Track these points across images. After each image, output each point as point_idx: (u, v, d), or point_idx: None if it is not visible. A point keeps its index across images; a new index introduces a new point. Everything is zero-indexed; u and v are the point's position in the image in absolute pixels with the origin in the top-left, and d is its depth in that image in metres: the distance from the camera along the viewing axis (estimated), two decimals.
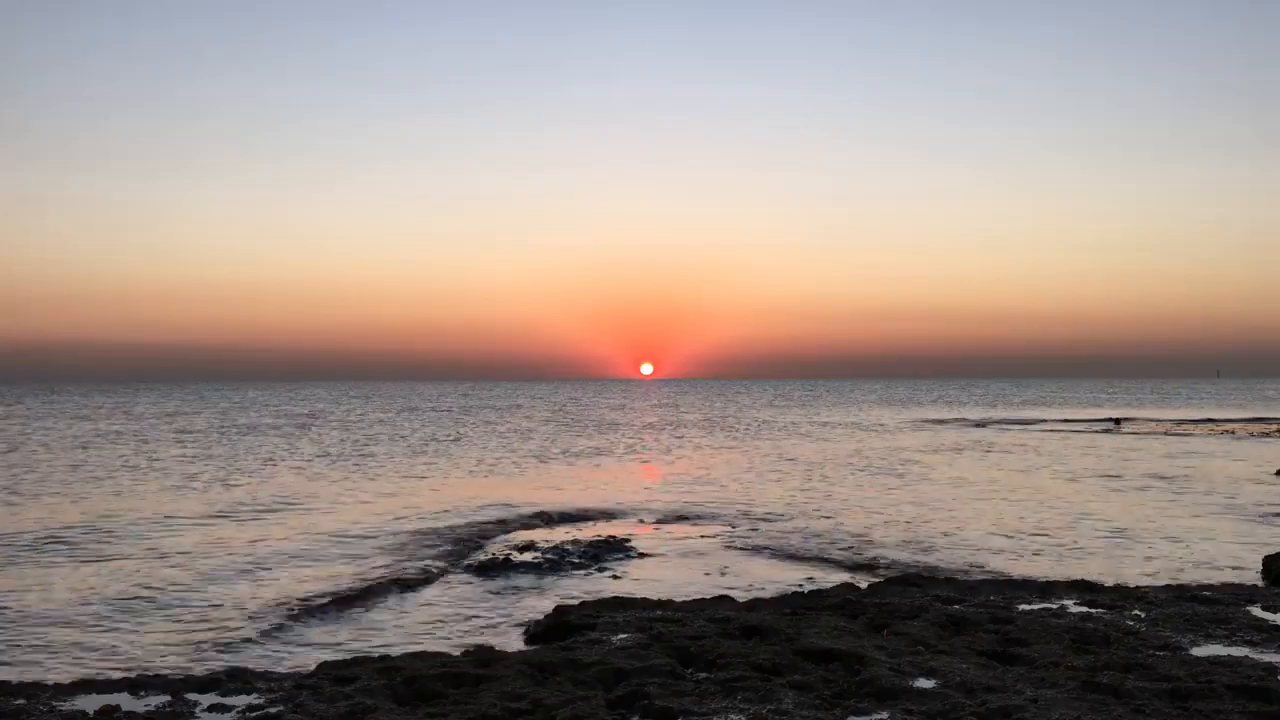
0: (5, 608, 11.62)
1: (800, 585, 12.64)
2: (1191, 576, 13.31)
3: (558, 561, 14.48)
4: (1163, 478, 26.52)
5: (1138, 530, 17.60)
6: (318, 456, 34.58)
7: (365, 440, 43.02)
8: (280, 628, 10.87)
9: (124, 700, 7.54)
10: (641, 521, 19.12)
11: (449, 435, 46.89)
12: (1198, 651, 8.36)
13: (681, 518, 19.56)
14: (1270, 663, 7.96)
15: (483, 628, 10.81)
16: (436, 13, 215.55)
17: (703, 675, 7.71)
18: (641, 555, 15.25)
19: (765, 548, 15.98)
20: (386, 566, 14.37)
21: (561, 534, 17.36)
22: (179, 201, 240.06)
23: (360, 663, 8.43)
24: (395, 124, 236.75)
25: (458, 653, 8.90)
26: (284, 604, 11.92)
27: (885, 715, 6.75)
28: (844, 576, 13.36)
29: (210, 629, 10.72)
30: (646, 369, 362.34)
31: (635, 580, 13.28)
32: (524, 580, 13.32)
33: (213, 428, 52.44)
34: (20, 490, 23.93)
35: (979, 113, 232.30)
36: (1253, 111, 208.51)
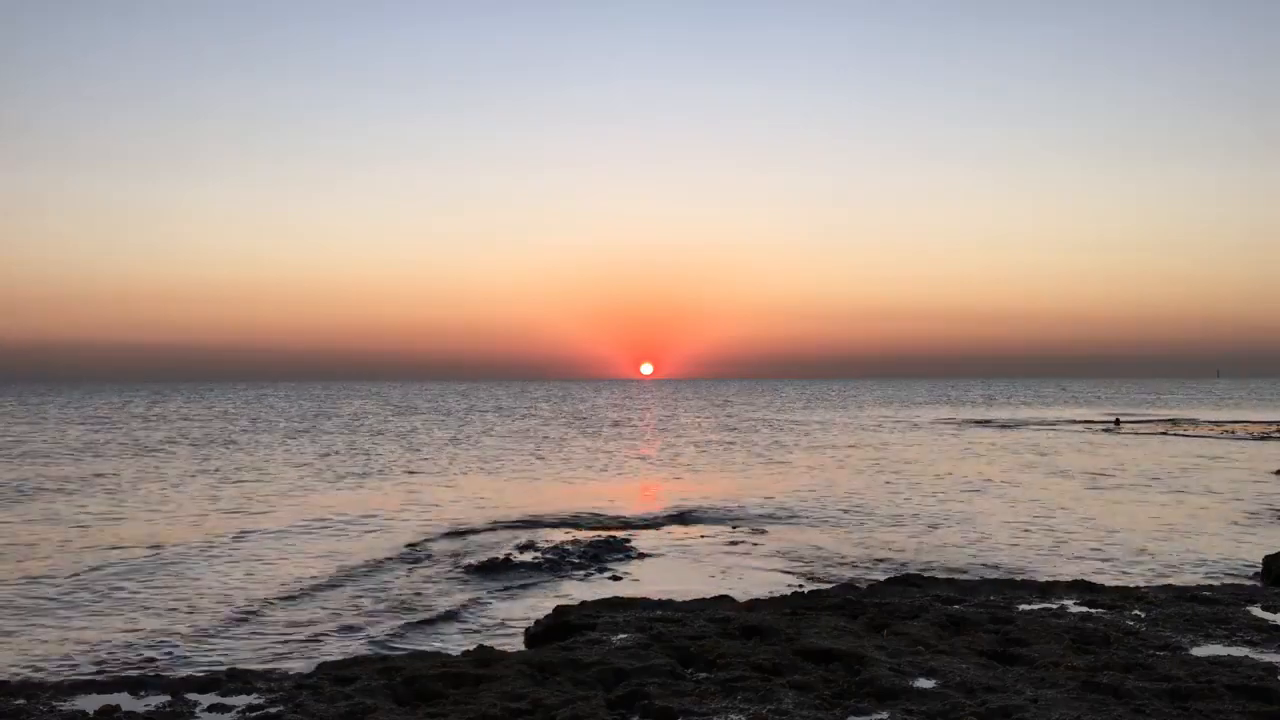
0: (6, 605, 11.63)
1: (800, 585, 12.63)
2: (1191, 576, 13.32)
3: (558, 561, 14.48)
4: (1162, 478, 26.52)
5: (1138, 530, 17.61)
6: (317, 457, 34.58)
7: (364, 440, 43.01)
8: (279, 627, 10.87)
9: (124, 700, 7.54)
10: (641, 521, 19.11)
11: (449, 436, 46.89)
12: (1198, 651, 8.36)
13: (681, 518, 19.56)
14: (1270, 663, 7.96)
15: (483, 628, 10.82)
16: (436, 13, 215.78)
17: (703, 675, 7.70)
18: (641, 555, 15.25)
19: (765, 547, 15.98)
20: (386, 566, 14.37)
21: (561, 534, 17.36)
22: (179, 201, 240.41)
23: (360, 663, 8.43)
24: (395, 124, 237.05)
25: (458, 653, 8.89)
26: (283, 603, 11.93)
27: (885, 715, 6.75)
28: (844, 576, 13.36)
29: (207, 626, 10.72)
30: (646, 369, 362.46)
31: (635, 580, 13.28)
32: (524, 580, 13.32)
33: (208, 437, 52.40)
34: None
35: (979, 113, 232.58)
36: (1253, 111, 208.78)
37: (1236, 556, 14.93)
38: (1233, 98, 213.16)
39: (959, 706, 6.78)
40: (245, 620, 11.14)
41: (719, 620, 9.35)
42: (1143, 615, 9.73)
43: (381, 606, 11.91)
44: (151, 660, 9.48)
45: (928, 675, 7.57)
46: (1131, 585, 11.76)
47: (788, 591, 11.73)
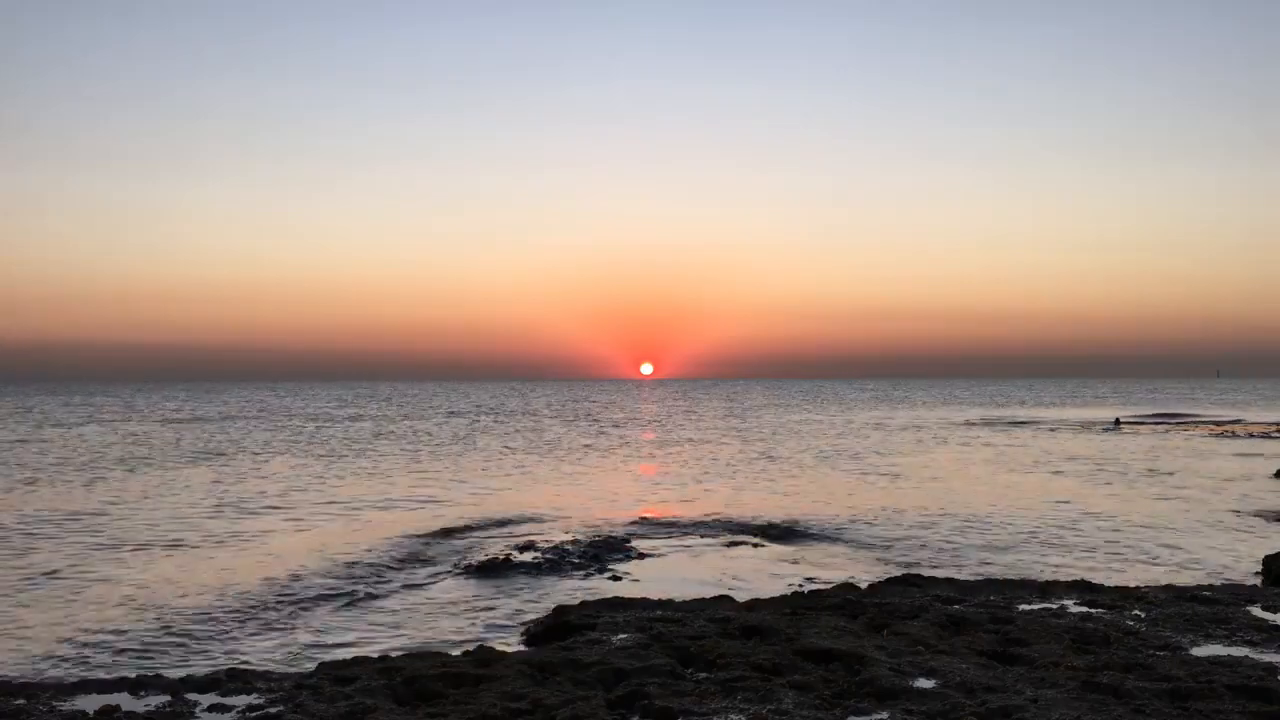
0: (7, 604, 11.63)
1: (800, 585, 12.63)
2: (1191, 576, 13.32)
3: (558, 561, 14.48)
4: (1163, 477, 26.52)
5: (1137, 530, 17.61)
6: (318, 457, 34.57)
7: (363, 440, 43.01)
8: (279, 627, 10.87)
9: (124, 700, 7.53)
10: (642, 521, 19.11)
11: (448, 436, 46.89)
12: (1198, 651, 8.36)
13: (682, 518, 19.55)
14: (1270, 663, 7.95)
15: (483, 628, 10.81)
16: (436, 13, 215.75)
17: (703, 675, 7.70)
18: (641, 555, 15.25)
19: (765, 547, 15.98)
20: (386, 566, 14.37)
21: (561, 534, 17.35)
22: (179, 201, 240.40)
23: (360, 663, 8.43)
24: (395, 124, 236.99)
25: (458, 653, 8.90)
26: (283, 603, 11.93)
27: (885, 715, 6.75)
28: (844, 576, 13.35)
29: (207, 625, 10.72)
30: (646, 369, 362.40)
31: (635, 580, 13.27)
32: (524, 580, 13.32)
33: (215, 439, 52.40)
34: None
35: (979, 113, 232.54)
36: (1253, 111, 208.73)
37: (1236, 556, 14.93)
38: (1233, 98, 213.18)
39: (959, 706, 6.78)
40: (245, 620, 11.14)
41: (719, 620, 9.35)
42: (1143, 615, 9.73)
43: (381, 606, 11.90)
44: (151, 660, 9.48)
45: (928, 675, 7.57)
46: (1131, 585, 11.76)
47: (788, 591, 11.73)
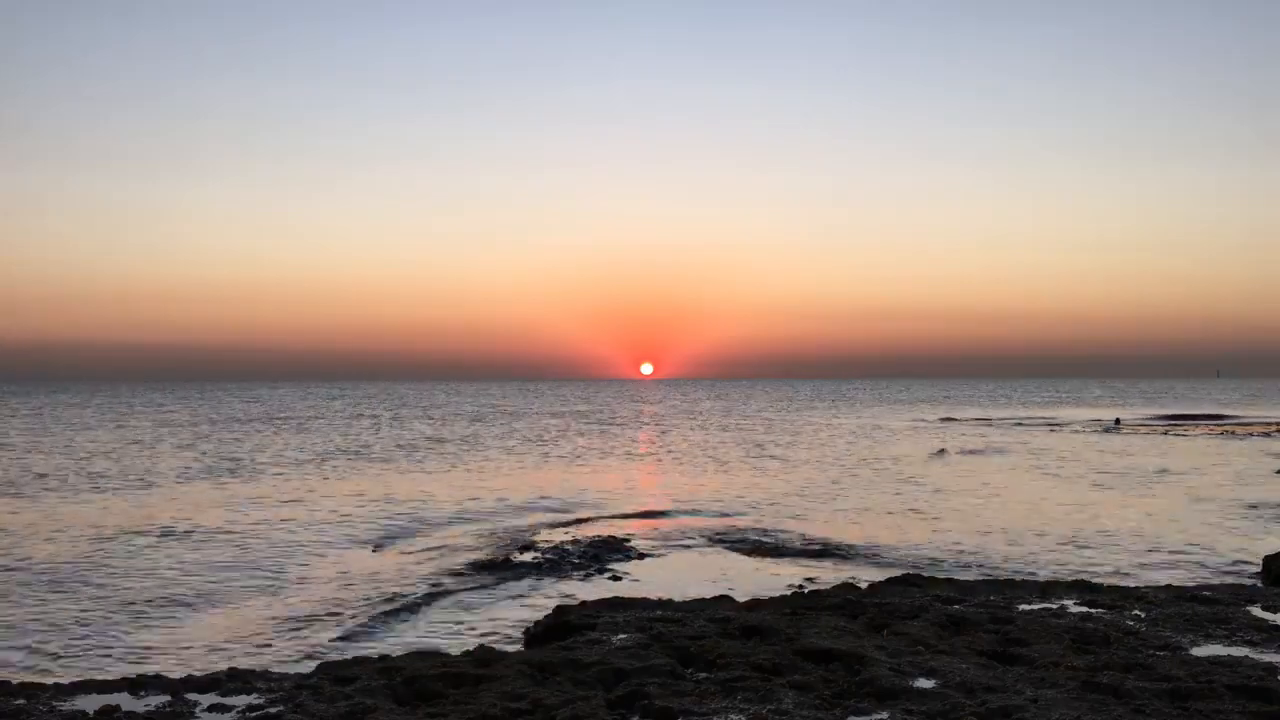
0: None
1: (800, 585, 12.63)
2: (1191, 576, 13.32)
3: (558, 561, 14.48)
4: (1163, 477, 26.52)
5: (1138, 530, 17.61)
6: (316, 457, 34.57)
7: (365, 440, 43.00)
8: (279, 626, 10.87)
9: (124, 700, 7.53)
10: (642, 521, 19.11)
11: (448, 436, 46.88)
12: (1198, 651, 8.36)
13: (682, 517, 19.56)
14: (1270, 663, 7.95)
15: (483, 627, 10.82)
16: (436, 13, 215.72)
17: (703, 675, 7.70)
18: (641, 555, 15.25)
19: (766, 547, 15.98)
20: (386, 566, 14.37)
21: (561, 534, 17.36)
22: (179, 201, 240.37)
23: (360, 663, 8.43)
24: (395, 124, 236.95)
25: (458, 652, 8.89)
26: (283, 603, 11.93)
27: (885, 715, 6.75)
28: (844, 576, 13.35)
29: (207, 625, 10.72)
30: (646, 369, 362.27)
31: (635, 580, 13.27)
32: (524, 580, 13.32)
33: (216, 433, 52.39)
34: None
35: (979, 113, 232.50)
36: (1253, 111, 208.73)
37: (1236, 556, 14.93)
38: (1233, 98, 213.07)
39: (959, 706, 6.78)
40: (245, 620, 11.14)
41: (719, 620, 9.35)
42: (1143, 615, 9.73)
43: (381, 606, 11.90)
44: (151, 660, 9.48)
45: (928, 675, 7.57)
46: (1131, 585, 11.76)
47: (788, 591, 11.73)
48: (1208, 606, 10.08)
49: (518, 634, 10.30)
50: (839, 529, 17.91)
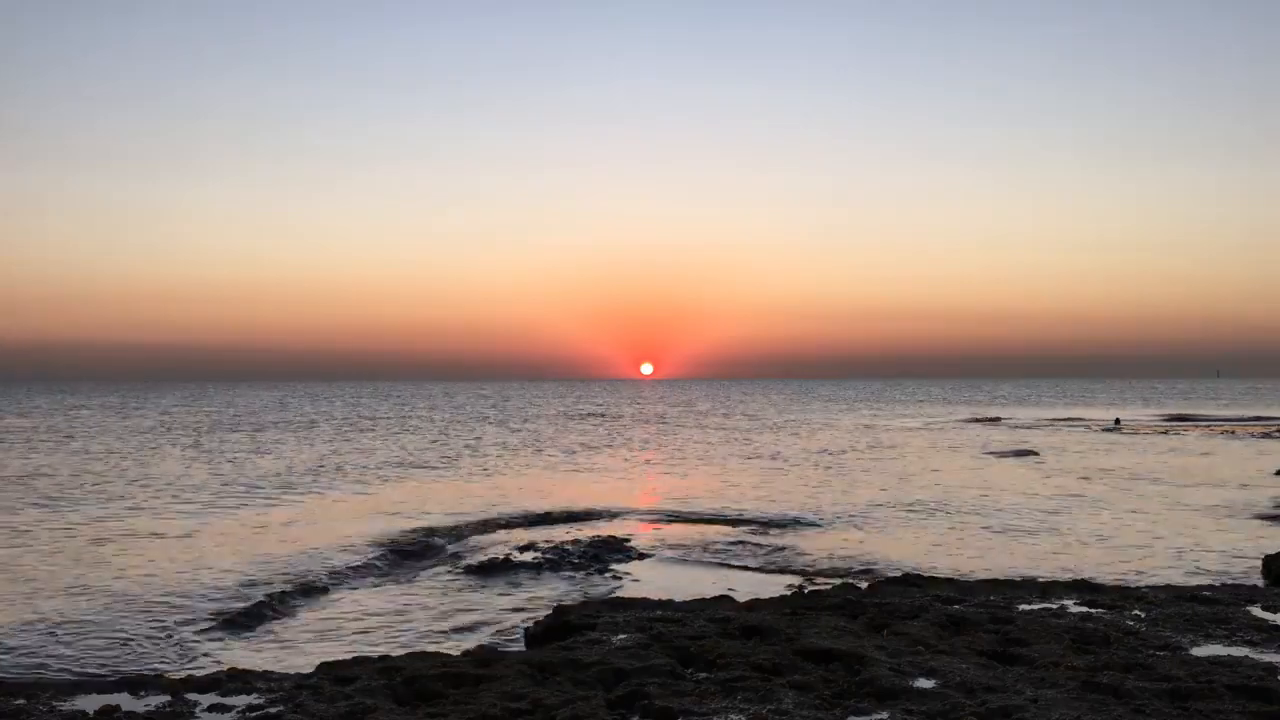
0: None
1: (800, 585, 12.63)
2: (1191, 576, 13.32)
3: (558, 561, 14.48)
4: (1163, 477, 26.52)
5: (1138, 530, 17.61)
6: (318, 457, 34.58)
7: (365, 440, 43.01)
8: (280, 626, 10.87)
9: (124, 700, 7.54)
10: (641, 521, 19.11)
11: (448, 436, 46.88)
12: (1198, 651, 8.35)
13: (681, 517, 19.56)
14: (1270, 663, 7.95)
15: (483, 628, 10.82)
16: (436, 13, 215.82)
17: (703, 675, 7.70)
18: (641, 555, 15.25)
19: (766, 547, 15.97)
20: (385, 566, 14.37)
21: (561, 534, 17.35)
22: (179, 201, 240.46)
23: (360, 663, 8.43)
24: (395, 124, 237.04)
25: (458, 653, 8.89)
26: (283, 603, 11.93)
27: (885, 715, 6.75)
28: (844, 576, 13.35)
29: (207, 625, 10.71)
30: (646, 369, 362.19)
31: (635, 580, 13.27)
32: (524, 580, 13.32)
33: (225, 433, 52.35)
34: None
35: (979, 113, 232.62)
36: (1253, 111, 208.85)
37: (1236, 556, 14.92)
38: (1233, 98, 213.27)
39: (959, 706, 6.77)
40: (245, 619, 11.14)
41: (719, 620, 9.35)
42: (1143, 615, 9.73)
43: (381, 606, 11.90)
44: (151, 660, 9.48)
45: (928, 675, 7.57)
46: (1131, 585, 11.76)
47: (788, 591, 11.73)
48: (1208, 606, 10.08)
49: (518, 634, 10.30)
50: (839, 529, 17.91)
